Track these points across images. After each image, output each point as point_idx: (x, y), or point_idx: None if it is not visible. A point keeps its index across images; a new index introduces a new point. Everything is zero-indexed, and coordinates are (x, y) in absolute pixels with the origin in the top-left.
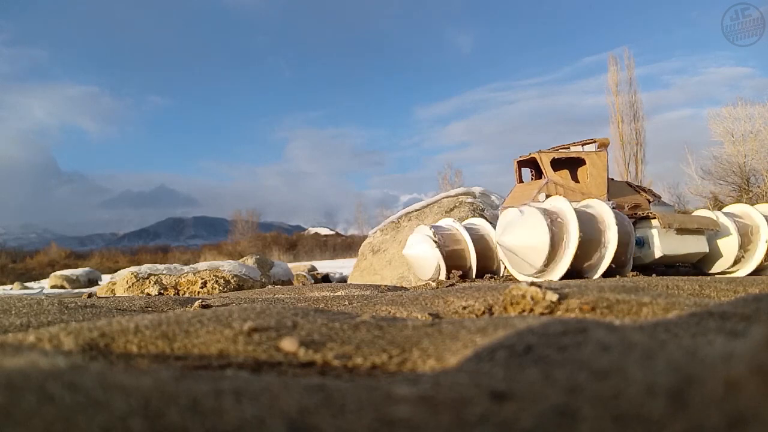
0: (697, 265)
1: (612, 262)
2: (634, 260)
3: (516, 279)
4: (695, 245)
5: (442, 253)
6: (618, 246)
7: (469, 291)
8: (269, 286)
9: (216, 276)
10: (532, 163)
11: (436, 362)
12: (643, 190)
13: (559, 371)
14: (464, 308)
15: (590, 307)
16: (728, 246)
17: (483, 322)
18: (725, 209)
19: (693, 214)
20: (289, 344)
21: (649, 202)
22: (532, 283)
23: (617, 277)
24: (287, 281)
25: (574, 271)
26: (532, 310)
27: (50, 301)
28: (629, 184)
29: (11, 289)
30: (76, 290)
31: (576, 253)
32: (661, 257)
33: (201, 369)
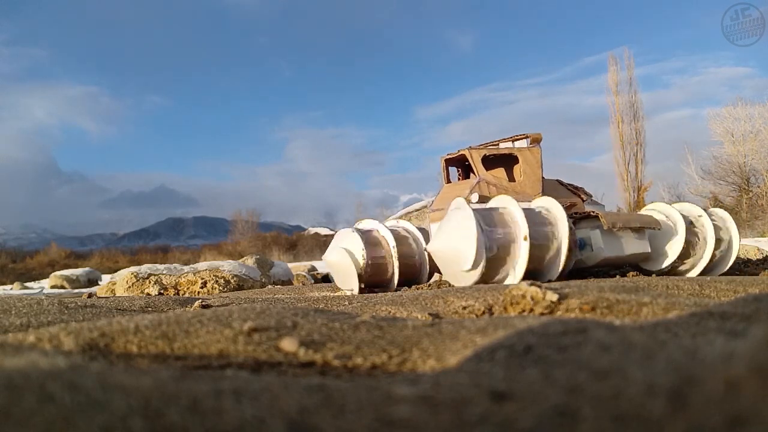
0: (639, 266)
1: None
2: (576, 263)
3: None
4: (639, 245)
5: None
6: (568, 251)
7: (469, 291)
8: (269, 286)
9: (216, 276)
10: (461, 162)
11: (436, 362)
12: (576, 188)
13: (559, 371)
14: (464, 308)
15: (590, 307)
16: (672, 244)
17: (483, 322)
18: (673, 206)
19: (644, 210)
20: (289, 344)
21: (583, 201)
22: (532, 283)
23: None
24: (287, 281)
25: (536, 269)
26: (532, 310)
27: (50, 301)
28: (561, 183)
29: (11, 289)
30: (76, 290)
31: (528, 259)
32: (605, 259)
33: (201, 369)
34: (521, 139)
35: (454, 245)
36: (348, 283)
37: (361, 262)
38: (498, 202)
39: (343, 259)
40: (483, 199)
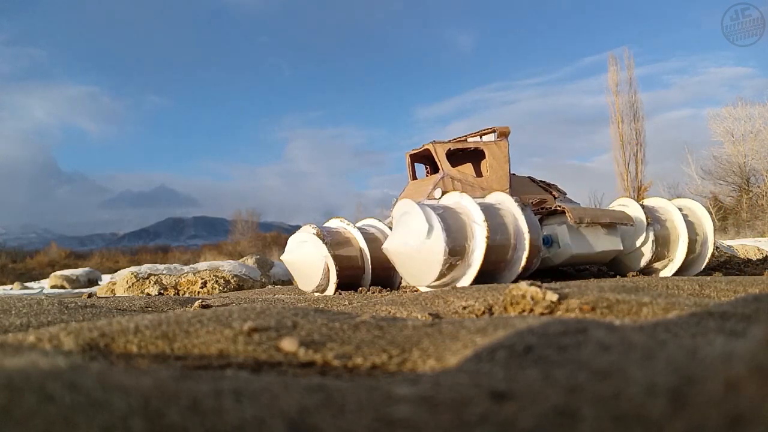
0: (611, 265)
1: (528, 255)
2: (543, 261)
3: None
4: (609, 242)
5: (331, 256)
6: (530, 247)
7: (469, 291)
8: (269, 286)
9: (216, 276)
10: (427, 157)
11: (436, 362)
12: (548, 185)
13: (559, 371)
14: (464, 308)
15: (590, 307)
16: (645, 242)
17: (483, 322)
18: (644, 202)
19: (610, 206)
20: (289, 344)
21: (555, 198)
22: (532, 283)
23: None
24: (287, 281)
25: (485, 278)
26: (532, 310)
27: (50, 301)
28: (532, 179)
29: (11, 289)
30: (76, 290)
31: (489, 239)
32: (572, 256)
33: (201, 369)
34: (489, 133)
35: (408, 244)
36: (314, 282)
37: (333, 256)
38: (451, 198)
39: (309, 255)
40: (445, 193)
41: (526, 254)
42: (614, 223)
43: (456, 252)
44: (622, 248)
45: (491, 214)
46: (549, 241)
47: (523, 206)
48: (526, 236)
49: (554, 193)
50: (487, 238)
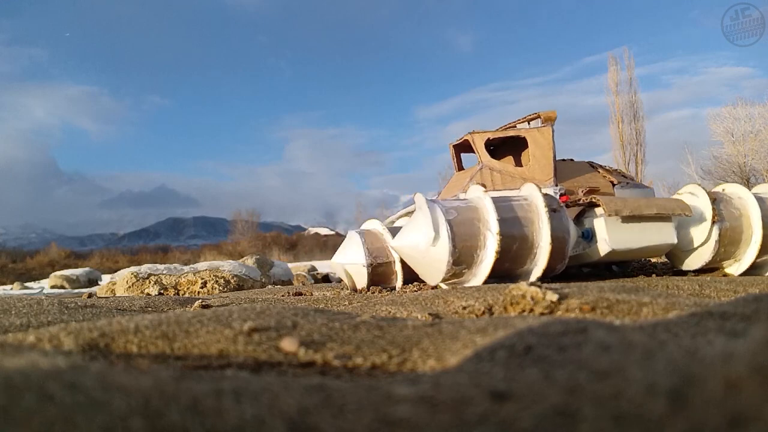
0: (670, 260)
1: (548, 261)
2: (580, 257)
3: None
4: (657, 235)
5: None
6: (552, 242)
7: (469, 291)
8: (269, 286)
9: (216, 276)
10: (470, 147)
11: (436, 362)
12: (608, 171)
13: (559, 371)
14: (464, 308)
15: (590, 307)
16: (705, 236)
17: (483, 322)
18: (721, 188)
19: (678, 193)
20: (289, 344)
21: (613, 185)
22: (532, 283)
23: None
24: (287, 281)
25: (505, 276)
26: (532, 310)
27: (50, 301)
28: (591, 165)
29: (11, 289)
30: (76, 290)
31: (499, 254)
32: (610, 252)
33: (201, 369)
34: (535, 119)
35: (414, 247)
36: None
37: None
38: (473, 194)
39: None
40: (483, 186)
41: (544, 263)
42: (663, 215)
43: (461, 261)
44: (675, 242)
45: (509, 220)
46: (589, 236)
47: (551, 205)
48: (546, 243)
49: (612, 178)
50: (497, 252)
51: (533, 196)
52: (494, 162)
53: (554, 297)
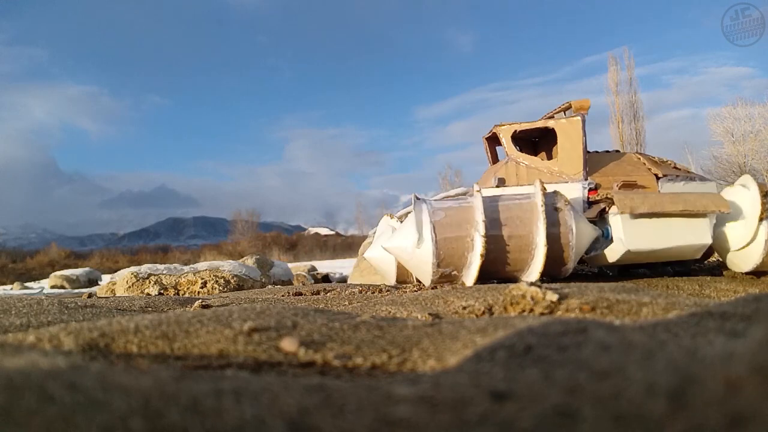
0: (706, 263)
1: (545, 262)
2: (598, 259)
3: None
4: (686, 235)
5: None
6: (550, 242)
7: (469, 291)
8: (269, 286)
9: (216, 276)
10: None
11: (436, 362)
12: (656, 163)
13: (559, 371)
14: (464, 308)
15: (590, 307)
16: (751, 235)
17: (483, 322)
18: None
19: (733, 186)
20: (289, 344)
21: (658, 178)
22: (532, 284)
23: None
24: (287, 281)
25: (499, 277)
26: (532, 310)
27: (50, 301)
28: (640, 155)
29: (11, 289)
30: (76, 290)
31: (485, 256)
32: (626, 254)
33: (201, 369)
34: (567, 108)
35: (402, 249)
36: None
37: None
38: (483, 192)
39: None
40: (501, 182)
41: (540, 265)
42: (692, 212)
43: (449, 264)
44: (708, 242)
45: (501, 220)
46: (608, 235)
47: (554, 203)
48: (542, 244)
49: (657, 171)
50: (482, 255)
51: (533, 194)
52: (521, 155)
53: (554, 297)
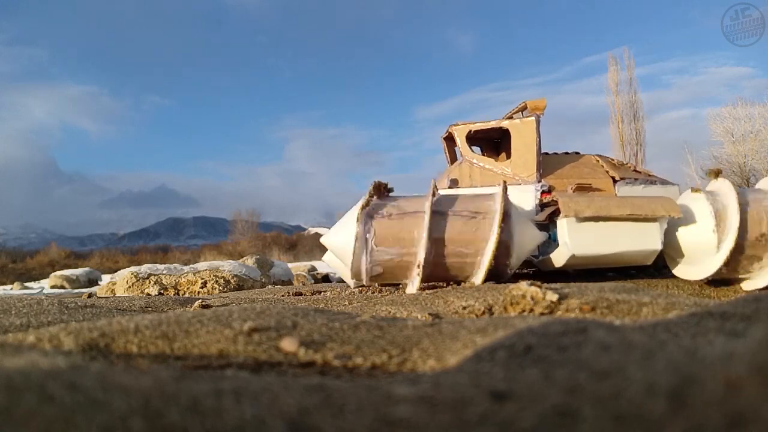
0: (657, 270)
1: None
2: (545, 263)
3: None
4: (634, 240)
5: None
6: (494, 250)
7: (469, 291)
8: (269, 286)
9: (216, 276)
10: (474, 139)
11: (436, 362)
12: (615, 166)
13: (559, 371)
14: (464, 308)
15: (590, 307)
16: (703, 242)
17: (483, 322)
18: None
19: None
20: (289, 344)
21: (615, 181)
22: (533, 283)
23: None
24: (287, 281)
25: (442, 280)
26: (532, 310)
27: (50, 301)
28: (599, 158)
29: (11, 289)
30: (76, 290)
31: (427, 260)
32: (572, 258)
33: (201, 369)
34: (523, 108)
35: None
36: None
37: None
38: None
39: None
40: (454, 183)
41: (490, 254)
42: (640, 216)
43: (392, 263)
44: (658, 247)
45: (438, 212)
46: (556, 239)
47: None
48: (494, 235)
49: (616, 175)
50: (424, 260)
51: (480, 189)
52: (475, 156)
53: (554, 297)
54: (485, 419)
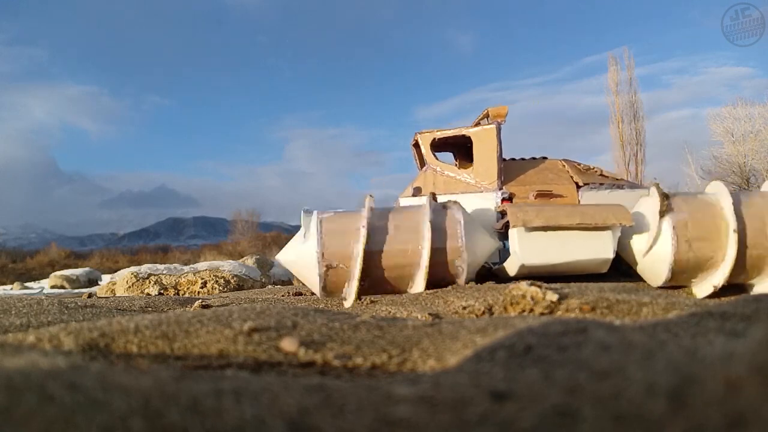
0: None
1: (429, 276)
2: (501, 271)
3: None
4: (586, 249)
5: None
6: (435, 256)
7: (469, 291)
8: (269, 286)
9: (216, 276)
10: (448, 145)
11: (436, 362)
12: (581, 171)
13: (559, 371)
14: (464, 308)
15: (590, 307)
16: (656, 249)
17: (483, 322)
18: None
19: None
20: (289, 344)
21: (579, 187)
22: (533, 283)
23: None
24: (287, 281)
25: (384, 291)
26: (532, 310)
27: (50, 301)
28: (566, 162)
29: (11, 289)
30: (76, 290)
31: (363, 268)
32: (522, 268)
33: (201, 369)
34: (486, 116)
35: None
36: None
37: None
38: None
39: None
40: (417, 191)
41: (425, 265)
42: (590, 225)
43: (336, 283)
44: (610, 256)
45: (379, 219)
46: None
47: (444, 215)
48: (427, 243)
49: (580, 180)
50: (361, 272)
51: (422, 206)
52: (439, 164)
53: (554, 297)
54: (485, 419)
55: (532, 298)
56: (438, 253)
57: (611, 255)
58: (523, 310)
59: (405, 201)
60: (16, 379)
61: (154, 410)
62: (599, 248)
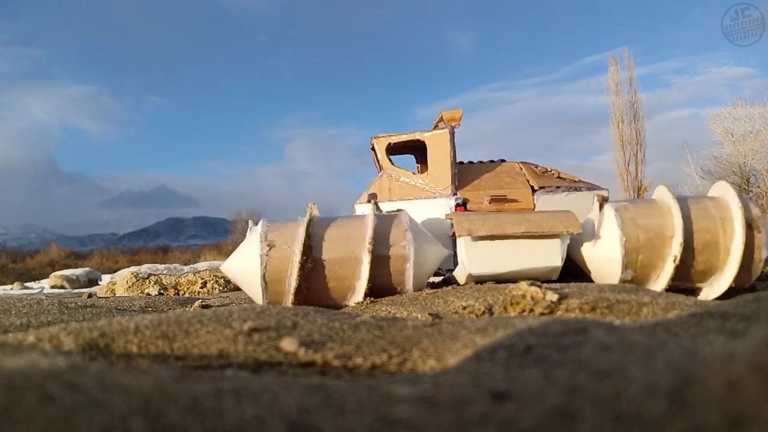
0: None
1: (370, 283)
2: (451, 279)
3: None
4: (532, 258)
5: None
6: (378, 266)
7: (469, 291)
8: None
9: (216, 276)
10: (407, 148)
11: (436, 362)
12: (539, 174)
13: (559, 371)
14: (464, 308)
15: (590, 307)
16: (604, 258)
17: (483, 322)
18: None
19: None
20: (289, 344)
21: (534, 190)
22: (533, 283)
23: None
24: None
25: (323, 304)
26: (532, 310)
27: (50, 301)
28: (524, 165)
29: (11, 289)
30: (76, 290)
31: (303, 277)
32: (469, 277)
33: (201, 369)
34: (440, 120)
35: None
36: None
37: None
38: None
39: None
40: (373, 197)
41: (366, 273)
42: (538, 233)
43: (275, 277)
44: (558, 264)
45: (327, 242)
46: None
47: (390, 223)
48: (367, 252)
49: (536, 183)
50: (298, 278)
51: (365, 215)
52: (395, 169)
53: (554, 297)
54: (485, 419)
55: (532, 298)
56: (381, 261)
57: (559, 263)
58: (523, 310)
59: (360, 208)
60: (16, 379)
61: (154, 410)
62: (547, 256)
